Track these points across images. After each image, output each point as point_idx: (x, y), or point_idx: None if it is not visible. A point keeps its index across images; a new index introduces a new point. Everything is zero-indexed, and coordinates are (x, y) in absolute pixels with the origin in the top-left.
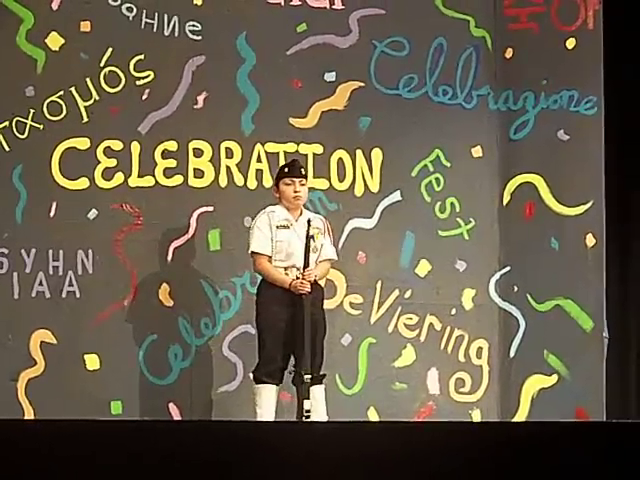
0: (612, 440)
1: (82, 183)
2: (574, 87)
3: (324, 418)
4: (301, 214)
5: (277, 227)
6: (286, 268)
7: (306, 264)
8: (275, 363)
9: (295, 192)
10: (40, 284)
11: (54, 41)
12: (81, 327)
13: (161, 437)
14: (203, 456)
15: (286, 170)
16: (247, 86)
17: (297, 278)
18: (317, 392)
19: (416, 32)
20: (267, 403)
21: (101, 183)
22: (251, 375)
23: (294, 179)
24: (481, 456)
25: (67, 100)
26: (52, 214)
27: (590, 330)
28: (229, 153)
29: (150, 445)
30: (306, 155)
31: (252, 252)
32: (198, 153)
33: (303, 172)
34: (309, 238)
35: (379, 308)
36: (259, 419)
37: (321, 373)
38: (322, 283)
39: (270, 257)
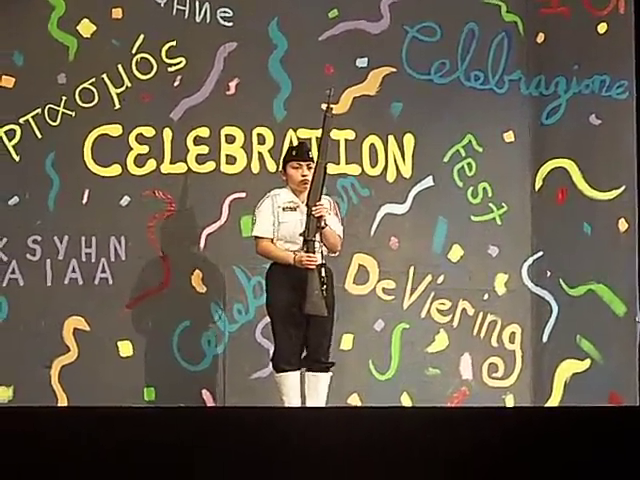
0: None
1: (114, 170)
2: (606, 72)
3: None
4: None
5: (283, 209)
6: (293, 252)
7: (314, 198)
8: (291, 349)
9: (302, 176)
10: (73, 271)
11: (86, 28)
12: (114, 314)
13: (195, 423)
14: (237, 442)
15: (293, 153)
16: (279, 72)
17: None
18: (322, 380)
19: (447, 17)
20: (291, 391)
21: (133, 170)
22: (270, 365)
23: (301, 162)
24: (515, 441)
25: (99, 87)
26: (85, 201)
27: (623, 315)
28: (261, 139)
29: (184, 431)
30: (338, 141)
31: (254, 237)
32: (230, 139)
33: (311, 155)
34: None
35: (412, 294)
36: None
37: (330, 361)
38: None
39: (272, 240)
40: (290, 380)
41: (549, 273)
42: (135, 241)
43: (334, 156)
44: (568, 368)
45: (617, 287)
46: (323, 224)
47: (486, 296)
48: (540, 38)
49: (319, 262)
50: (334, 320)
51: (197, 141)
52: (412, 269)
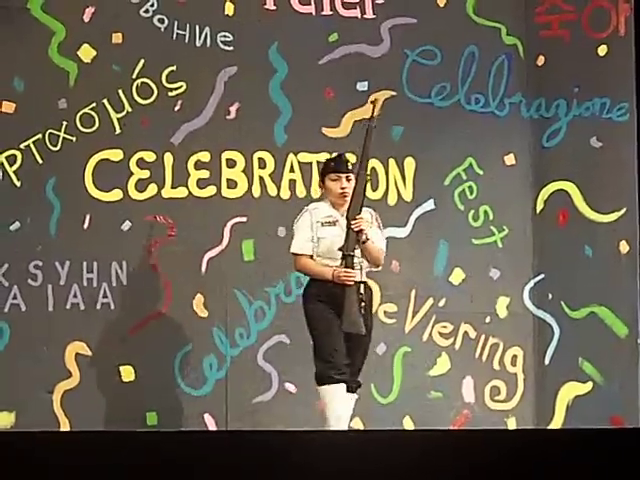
0: None
1: (115, 195)
2: (606, 94)
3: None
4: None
5: (322, 224)
6: (332, 267)
7: (354, 211)
8: (335, 359)
9: (342, 188)
10: (74, 296)
11: (86, 53)
12: (116, 338)
13: (197, 448)
14: (239, 467)
15: (332, 165)
16: (279, 96)
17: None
18: (349, 402)
19: (448, 41)
20: (338, 404)
21: (134, 195)
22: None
23: (340, 174)
24: (517, 464)
25: (100, 112)
26: (86, 226)
27: (625, 337)
28: (262, 163)
29: (186, 456)
30: None
31: (292, 253)
32: (231, 164)
33: (350, 167)
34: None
35: (413, 317)
36: (332, 424)
37: (358, 380)
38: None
39: (311, 256)
40: (334, 392)
41: (550, 296)
42: (136, 266)
43: None
44: (570, 391)
45: (619, 309)
46: (364, 238)
47: (488, 319)
48: (540, 61)
49: (358, 278)
50: (370, 340)
51: (198, 165)
52: (413, 292)
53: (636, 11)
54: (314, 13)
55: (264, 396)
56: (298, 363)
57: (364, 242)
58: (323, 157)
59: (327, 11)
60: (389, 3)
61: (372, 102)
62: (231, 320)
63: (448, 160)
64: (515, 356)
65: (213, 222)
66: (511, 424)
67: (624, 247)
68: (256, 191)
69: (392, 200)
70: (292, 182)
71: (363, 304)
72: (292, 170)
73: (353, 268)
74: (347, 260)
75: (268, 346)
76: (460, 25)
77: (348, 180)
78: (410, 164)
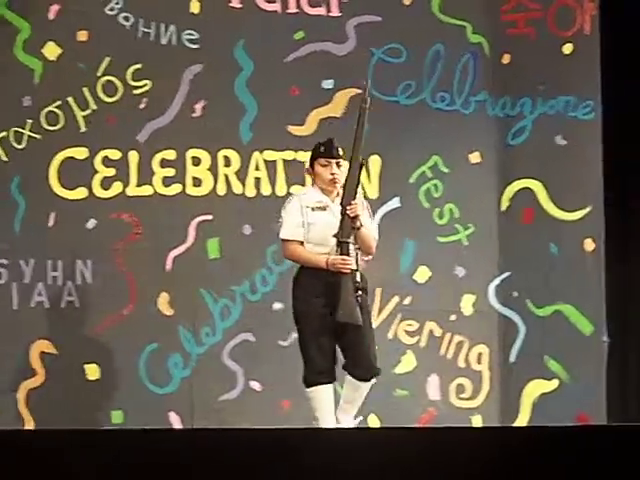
0: (613, 444)
1: (80, 193)
2: (571, 92)
3: (353, 410)
4: (337, 196)
5: (312, 209)
6: (323, 254)
7: (349, 196)
8: (322, 360)
9: (332, 174)
10: (39, 294)
11: (51, 51)
12: (81, 337)
13: (163, 446)
14: (204, 464)
15: (322, 150)
16: (245, 94)
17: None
18: (361, 388)
19: (413, 39)
20: (325, 405)
21: (99, 193)
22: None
23: (330, 160)
24: (482, 462)
25: (65, 110)
26: (51, 224)
27: (590, 334)
28: (227, 161)
29: (151, 454)
30: (304, 163)
31: (281, 240)
32: (196, 162)
33: (340, 152)
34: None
35: (379, 314)
36: (321, 424)
37: (376, 368)
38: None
39: (302, 242)
40: (324, 394)
41: (516, 293)
42: (101, 264)
43: (300, 178)
44: (536, 388)
45: (584, 307)
46: (358, 224)
47: (453, 317)
48: (506, 59)
49: (354, 267)
50: (371, 326)
51: (163, 163)
52: (379, 290)
53: (601, 9)
54: (280, 11)
55: (229, 394)
56: (263, 361)
57: (358, 228)
58: (289, 155)
59: (293, 9)
60: (355, 1)
61: (364, 85)
62: (196, 318)
63: (413, 158)
64: (480, 354)
65: (178, 220)
66: (476, 422)
67: (589, 245)
68: (221, 189)
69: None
70: (257, 180)
71: (360, 293)
72: (257, 168)
73: (349, 255)
74: (342, 247)
75: (234, 344)
76: (426, 23)
77: (338, 166)
78: (376, 162)
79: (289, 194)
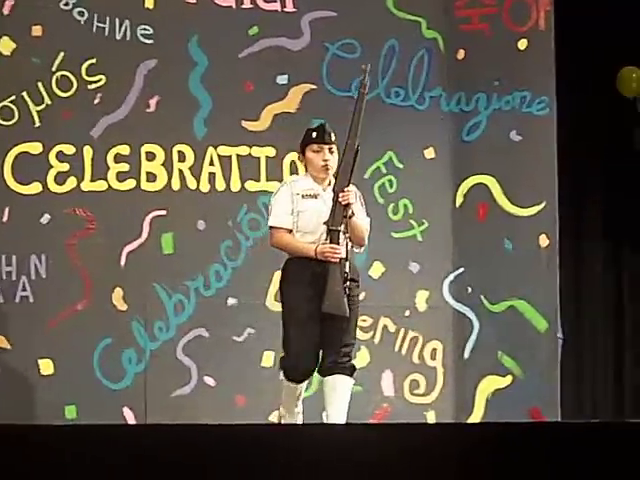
0: (567, 440)
1: (35, 188)
2: (526, 88)
3: (341, 416)
4: (329, 184)
5: (302, 196)
6: (314, 243)
7: (342, 183)
8: (308, 355)
9: (324, 161)
10: None
11: (5, 45)
12: (35, 332)
13: (116, 441)
14: (157, 460)
15: (314, 135)
16: (199, 89)
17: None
18: (342, 383)
19: (368, 34)
20: (292, 399)
21: (54, 187)
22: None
23: (323, 146)
24: (437, 457)
25: (19, 105)
26: (5, 219)
27: (544, 331)
28: (182, 157)
29: (105, 449)
30: (259, 158)
31: (270, 227)
32: (150, 157)
33: (333, 138)
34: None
35: None
36: (281, 417)
37: (352, 363)
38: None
39: (290, 231)
40: (289, 390)
41: (470, 289)
42: (56, 259)
43: (254, 173)
44: (490, 384)
45: (538, 303)
46: (350, 213)
47: (407, 313)
48: (460, 55)
49: (343, 255)
50: (357, 318)
51: (117, 159)
52: None
53: (556, 5)
54: (234, 6)
55: (183, 390)
56: (217, 357)
57: (350, 217)
58: (243, 150)
59: (247, 4)
60: None
61: (363, 68)
62: (150, 314)
63: (368, 154)
64: (435, 350)
65: (132, 215)
66: (430, 417)
67: (544, 241)
68: (175, 184)
69: None
70: (212, 175)
71: (348, 283)
72: (212, 163)
73: (338, 244)
74: (332, 235)
75: (187, 340)
76: (380, 19)
77: (331, 152)
78: None
79: (243, 189)
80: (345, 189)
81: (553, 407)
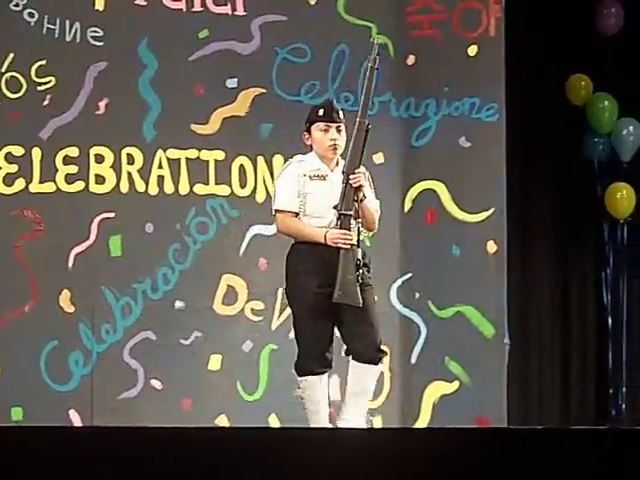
0: (513, 447)
1: None
2: (476, 94)
3: (364, 403)
4: (337, 165)
5: (310, 177)
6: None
7: (353, 164)
8: (318, 346)
9: (332, 140)
10: None
11: None
12: None
13: (62, 443)
14: (103, 462)
15: (320, 113)
16: (149, 92)
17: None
18: (369, 373)
19: (318, 39)
20: (317, 397)
21: (2, 189)
22: (293, 370)
23: (330, 124)
24: (382, 462)
25: None
26: None
27: (491, 337)
28: (130, 159)
29: (51, 451)
30: (207, 161)
31: (275, 210)
32: (99, 159)
33: (342, 116)
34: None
35: (280, 314)
36: (311, 417)
37: (382, 350)
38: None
39: (297, 214)
40: (317, 384)
41: (418, 295)
42: (3, 261)
43: (203, 177)
44: (436, 390)
45: (485, 309)
46: (362, 196)
47: None
48: (410, 60)
49: (354, 241)
50: (373, 304)
51: (66, 160)
52: (280, 290)
53: (507, 12)
54: (185, 9)
55: (129, 392)
56: (164, 360)
57: (362, 200)
58: (192, 154)
59: (198, 7)
60: (260, 0)
61: (373, 42)
62: (97, 316)
63: None
64: None
65: (81, 217)
66: (377, 422)
67: (492, 247)
68: (124, 187)
69: (260, 197)
70: (160, 178)
71: (361, 271)
72: (160, 166)
73: (349, 229)
74: (343, 220)
75: (134, 342)
76: (331, 23)
77: (339, 131)
78: (279, 161)
79: (192, 192)
80: (356, 171)
81: (500, 413)
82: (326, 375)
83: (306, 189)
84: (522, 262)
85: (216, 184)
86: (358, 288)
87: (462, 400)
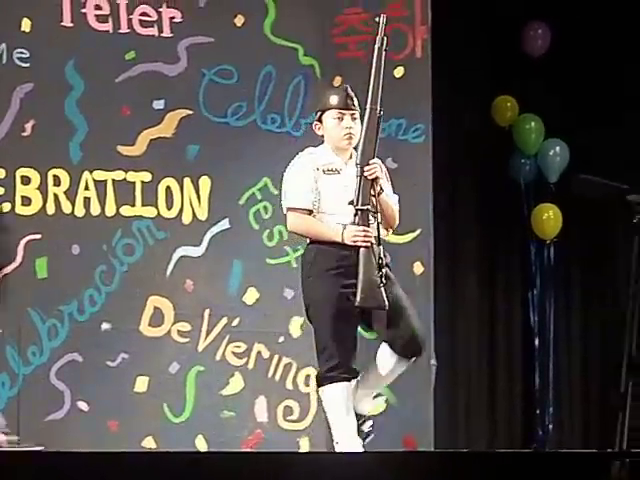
0: (440, 469)
1: None
2: (402, 115)
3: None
4: (351, 158)
5: (324, 172)
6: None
7: (367, 155)
8: (340, 353)
9: (347, 128)
10: None
11: None
12: None
13: None
14: None
15: (334, 100)
16: (75, 114)
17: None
18: (399, 368)
19: (245, 60)
20: (340, 407)
21: None
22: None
23: (344, 111)
24: None
25: None
26: None
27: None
28: (57, 181)
29: None
30: (134, 183)
31: (288, 208)
32: (25, 181)
33: (356, 102)
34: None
35: (207, 336)
36: (334, 430)
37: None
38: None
39: (311, 212)
40: (339, 394)
41: None
42: None
43: (130, 198)
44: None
45: None
46: (379, 189)
47: (281, 339)
48: (337, 81)
49: (374, 239)
50: (400, 298)
51: None
52: (207, 312)
53: (433, 33)
54: (111, 31)
55: (56, 414)
56: (90, 381)
57: (379, 194)
58: (118, 175)
59: (124, 29)
60: (186, 22)
61: (377, 21)
62: (24, 338)
63: (243, 180)
64: (308, 376)
65: (7, 239)
66: (304, 444)
67: (418, 268)
68: (50, 208)
69: (187, 219)
70: (87, 200)
71: (384, 271)
72: (87, 188)
73: (368, 226)
74: (361, 216)
75: (61, 364)
76: (257, 45)
77: (353, 119)
78: (205, 183)
79: (118, 214)
80: (370, 162)
81: (426, 435)
82: (349, 384)
83: (320, 185)
84: (449, 283)
85: (142, 205)
86: (382, 289)
87: (389, 420)
